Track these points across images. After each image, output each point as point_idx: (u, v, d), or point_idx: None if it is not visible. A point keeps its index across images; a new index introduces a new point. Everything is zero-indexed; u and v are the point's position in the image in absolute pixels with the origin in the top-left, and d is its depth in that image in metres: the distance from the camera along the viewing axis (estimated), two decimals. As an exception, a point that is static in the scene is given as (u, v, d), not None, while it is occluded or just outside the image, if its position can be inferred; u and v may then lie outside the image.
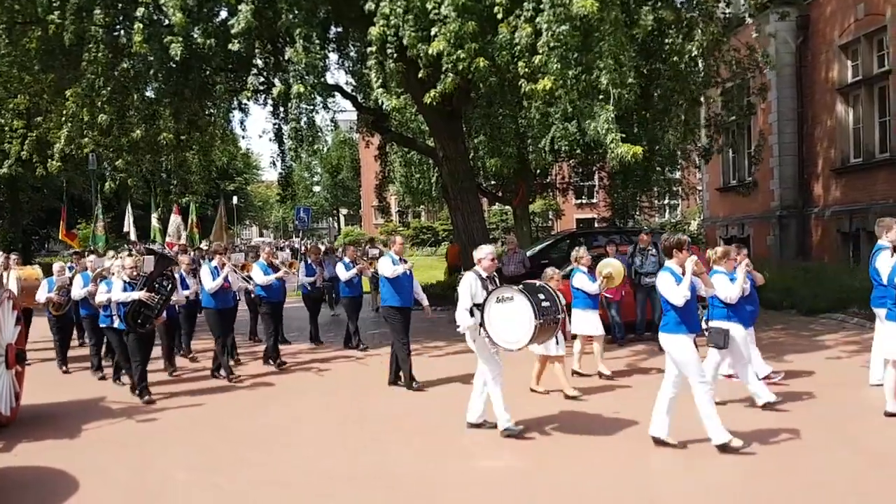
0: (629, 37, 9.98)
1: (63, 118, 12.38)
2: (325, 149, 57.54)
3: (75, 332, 12.17)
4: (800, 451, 6.24)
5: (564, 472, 5.94)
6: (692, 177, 25.36)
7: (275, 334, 11.18)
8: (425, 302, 9.61)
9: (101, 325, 9.30)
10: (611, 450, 6.45)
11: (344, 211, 67.82)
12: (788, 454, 6.17)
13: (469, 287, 6.82)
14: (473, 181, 17.19)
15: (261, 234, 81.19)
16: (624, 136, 10.01)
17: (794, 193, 20.68)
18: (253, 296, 11.69)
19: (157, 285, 8.83)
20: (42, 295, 10.90)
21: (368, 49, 10.43)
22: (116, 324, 8.86)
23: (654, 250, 12.40)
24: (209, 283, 9.99)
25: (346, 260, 12.67)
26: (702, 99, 13.85)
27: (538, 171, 21.89)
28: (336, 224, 69.47)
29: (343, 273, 12.36)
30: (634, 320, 12.40)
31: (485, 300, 6.65)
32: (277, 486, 5.80)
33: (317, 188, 64.84)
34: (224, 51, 10.79)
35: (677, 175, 23.15)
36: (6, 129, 14.10)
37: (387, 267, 9.19)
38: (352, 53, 14.92)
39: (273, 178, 22.68)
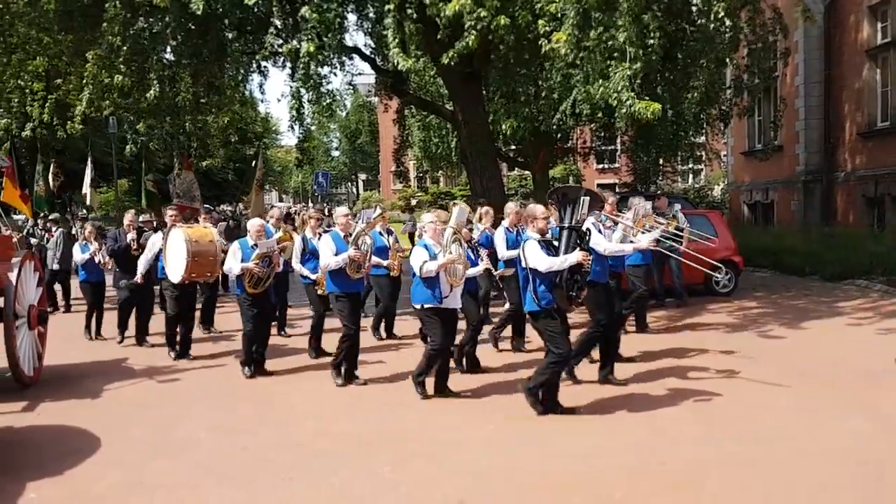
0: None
1: (84, 80, 12.34)
2: (345, 113, 57.35)
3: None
4: (810, 417, 6.20)
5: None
6: (717, 141, 24.92)
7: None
8: None
9: (427, 306, 6.86)
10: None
11: (363, 176, 67.75)
12: (798, 420, 6.14)
13: None
14: (492, 145, 17.00)
15: (280, 199, 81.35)
16: (647, 97, 9.81)
17: (820, 158, 20.34)
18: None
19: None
20: (235, 264, 7.92)
21: (386, 7, 10.27)
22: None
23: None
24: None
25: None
26: (727, 61, 13.51)
27: (559, 135, 21.60)
28: (355, 189, 69.47)
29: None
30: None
31: None
32: (298, 447, 5.84)
33: (336, 153, 64.73)
34: (240, 7, 10.66)
35: (701, 139, 22.74)
36: (27, 91, 14.09)
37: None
38: (370, 14, 14.68)
39: (292, 142, 22.36)
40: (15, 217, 11.24)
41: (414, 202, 39.82)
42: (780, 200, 22.08)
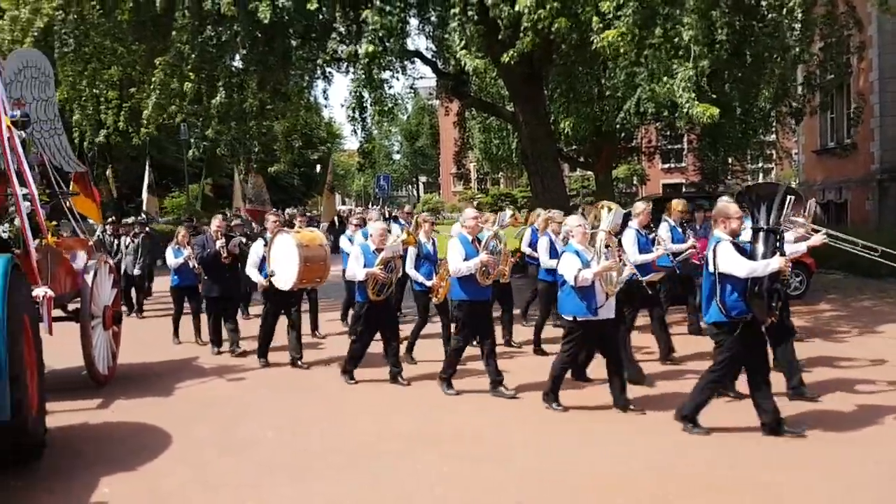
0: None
1: (152, 87, 12.73)
2: (406, 116, 57.78)
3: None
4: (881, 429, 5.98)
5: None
6: (787, 139, 24.21)
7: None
8: None
9: (580, 318, 6.39)
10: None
11: (423, 178, 68.09)
12: (870, 431, 5.92)
13: None
14: (553, 145, 16.89)
15: (343, 203, 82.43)
16: (715, 96, 9.63)
17: (896, 156, 19.56)
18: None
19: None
20: (358, 270, 7.50)
21: (451, 11, 10.31)
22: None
23: None
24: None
25: None
26: (801, 56, 13.17)
27: (622, 134, 21.31)
28: (415, 192, 69.91)
29: None
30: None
31: None
32: (362, 448, 5.89)
33: (396, 156, 65.27)
34: (305, 14, 10.84)
35: (771, 137, 22.12)
36: (101, 99, 14.60)
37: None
38: (432, 18, 14.76)
39: (354, 146, 22.56)
40: (90, 221, 11.48)
41: (475, 204, 39.86)
42: (853, 200, 21.31)
